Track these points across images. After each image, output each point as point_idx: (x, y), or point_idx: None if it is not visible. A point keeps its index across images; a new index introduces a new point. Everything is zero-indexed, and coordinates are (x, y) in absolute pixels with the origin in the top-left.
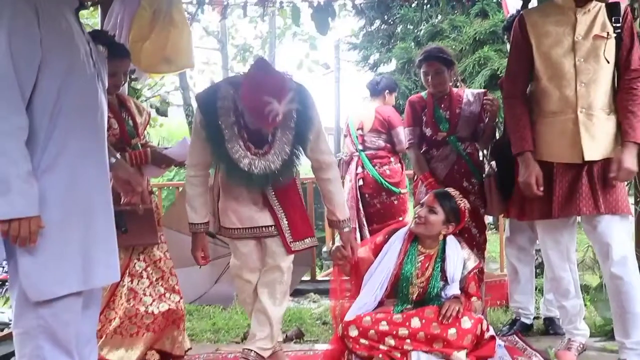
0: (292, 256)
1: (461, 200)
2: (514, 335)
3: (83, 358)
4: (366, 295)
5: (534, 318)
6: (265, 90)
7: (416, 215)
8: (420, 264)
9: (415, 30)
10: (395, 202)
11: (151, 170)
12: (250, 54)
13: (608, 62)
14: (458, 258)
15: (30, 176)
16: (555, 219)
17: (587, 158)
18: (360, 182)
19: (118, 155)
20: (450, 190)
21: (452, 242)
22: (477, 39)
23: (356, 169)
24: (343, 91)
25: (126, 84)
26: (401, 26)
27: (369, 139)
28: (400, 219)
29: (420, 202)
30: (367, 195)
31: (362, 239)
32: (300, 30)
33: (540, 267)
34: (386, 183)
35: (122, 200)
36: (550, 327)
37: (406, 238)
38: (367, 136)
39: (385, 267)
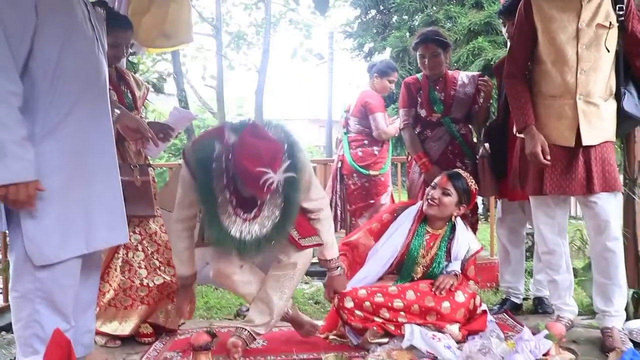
0: (308, 253)
1: (471, 182)
2: (504, 314)
3: (83, 325)
4: (368, 270)
5: (524, 299)
6: (260, 160)
7: (429, 197)
8: (425, 243)
9: (410, 20)
10: (367, 184)
11: (151, 147)
12: (244, 42)
13: (608, 51)
14: (465, 240)
15: (26, 141)
16: (547, 195)
17: (585, 143)
18: (339, 164)
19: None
20: (461, 171)
21: (461, 223)
22: (471, 29)
23: (339, 150)
24: (336, 81)
25: (124, 58)
26: (396, 16)
27: (351, 122)
28: (372, 201)
29: (432, 183)
30: (345, 177)
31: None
32: (296, 18)
33: (530, 250)
34: (355, 165)
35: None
36: (539, 307)
37: (416, 218)
38: (350, 119)
39: (392, 246)
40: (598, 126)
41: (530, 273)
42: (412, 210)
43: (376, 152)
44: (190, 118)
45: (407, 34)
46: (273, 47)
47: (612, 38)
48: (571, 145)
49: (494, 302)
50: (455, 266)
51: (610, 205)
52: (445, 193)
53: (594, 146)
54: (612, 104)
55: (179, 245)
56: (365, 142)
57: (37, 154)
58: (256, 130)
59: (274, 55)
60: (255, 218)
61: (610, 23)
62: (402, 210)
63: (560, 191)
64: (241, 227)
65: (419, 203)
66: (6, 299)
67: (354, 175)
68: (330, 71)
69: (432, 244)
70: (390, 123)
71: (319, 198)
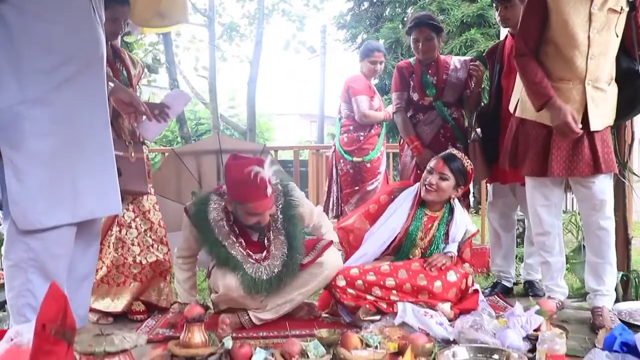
0: (335, 255)
1: (467, 162)
2: (495, 296)
3: (79, 296)
4: (365, 251)
5: (514, 284)
6: (247, 164)
7: (426, 183)
8: (423, 225)
9: (403, 13)
10: (351, 170)
11: (147, 128)
12: (237, 33)
13: (617, 36)
14: (462, 222)
15: None
16: (549, 177)
17: (593, 129)
18: (333, 149)
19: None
20: (455, 151)
21: (458, 206)
22: (464, 21)
23: (334, 137)
24: (329, 76)
25: (119, 38)
26: (389, 8)
27: (342, 108)
28: (357, 188)
29: (428, 168)
30: (336, 162)
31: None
32: (289, 10)
33: (520, 236)
34: (341, 150)
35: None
36: (530, 290)
37: (415, 203)
38: (341, 105)
39: (389, 228)
40: (604, 111)
41: (520, 259)
42: (410, 192)
43: (361, 138)
44: (187, 99)
45: (400, 25)
46: (266, 39)
47: (621, 23)
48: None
49: (485, 286)
50: (452, 248)
51: (606, 185)
52: (443, 178)
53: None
54: (614, 88)
55: (181, 276)
56: (351, 127)
57: (27, 118)
58: (237, 155)
59: (267, 47)
60: (266, 259)
61: (621, 8)
62: (399, 192)
63: (567, 173)
64: (253, 268)
65: (417, 185)
66: None
67: (341, 160)
68: (322, 65)
69: (430, 226)
70: (379, 109)
71: (317, 213)
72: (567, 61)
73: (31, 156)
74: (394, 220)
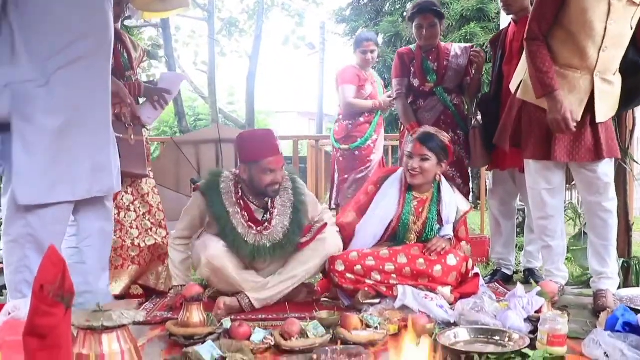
0: (332, 232)
1: (443, 136)
2: (495, 283)
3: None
4: (361, 243)
5: (514, 272)
6: (256, 129)
7: (409, 168)
8: (414, 209)
9: (403, 7)
10: (341, 158)
11: (146, 112)
12: (236, 29)
13: (631, 29)
14: (452, 201)
15: None
16: (551, 161)
17: (598, 120)
18: None
19: None
20: (429, 129)
21: (446, 185)
22: (463, 15)
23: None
24: (328, 73)
25: (120, 21)
26: (389, 2)
27: (337, 98)
28: (346, 176)
29: (407, 153)
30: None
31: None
32: (288, 5)
33: (520, 226)
34: (333, 138)
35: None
36: (530, 277)
37: (402, 189)
38: (337, 96)
39: (380, 219)
40: (609, 103)
41: (520, 249)
42: (395, 179)
43: (350, 127)
44: (181, 79)
45: (400, 19)
46: (265, 34)
47: (637, 16)
48: (578, 119)
49: (485, 274)
50: (448, 230)
51: (609, 168)
52: (424, 159)
53: None
54: (619, 79)
55: (177, 258)
56: (340, 116)
57: (39, 94)
58: (246, 130)
59: (266, 42)
60: (267, 229)
61: None
62: (384, 180)
63: (570, 158)
64: (255, 237)
65: (400, 170)
66: None
67: (334, 149)
68: (321, 61)
69: (421, 209)
70: (373, 98)
71: (321, 207)
72: (578, 50)
73: (41, 130)
74: (385, 210)
